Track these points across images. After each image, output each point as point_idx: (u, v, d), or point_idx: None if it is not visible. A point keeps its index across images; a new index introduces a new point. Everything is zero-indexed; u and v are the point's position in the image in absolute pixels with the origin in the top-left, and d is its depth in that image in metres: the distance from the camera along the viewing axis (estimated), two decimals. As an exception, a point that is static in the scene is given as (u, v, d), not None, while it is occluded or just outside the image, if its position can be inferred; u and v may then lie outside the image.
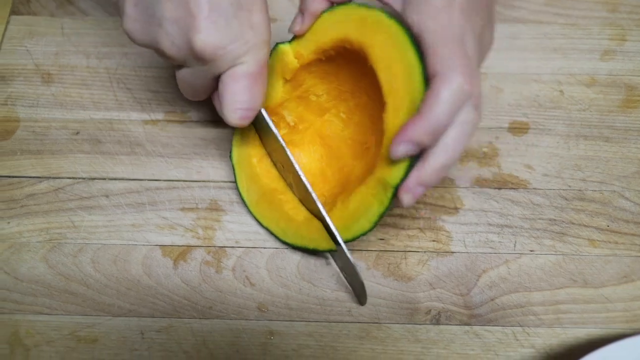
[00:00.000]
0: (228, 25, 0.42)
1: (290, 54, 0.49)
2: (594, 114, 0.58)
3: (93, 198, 0.53)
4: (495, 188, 0.54)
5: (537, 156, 0.56)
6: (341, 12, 0.46)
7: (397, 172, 0.42)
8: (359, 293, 0.48)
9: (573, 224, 0.53)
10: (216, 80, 0.46)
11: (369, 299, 0.50)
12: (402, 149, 0.40)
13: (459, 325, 0.49)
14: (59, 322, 0.49)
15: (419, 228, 0.52)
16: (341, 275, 0.50)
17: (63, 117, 0.57)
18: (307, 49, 0.48)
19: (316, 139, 0.54)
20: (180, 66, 0.46)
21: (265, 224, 0.52)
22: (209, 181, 0.54)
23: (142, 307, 0.49)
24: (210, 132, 0.56)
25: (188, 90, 0.49)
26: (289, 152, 0.48)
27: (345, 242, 0.47)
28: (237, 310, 0.49)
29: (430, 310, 0.49)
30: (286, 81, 0.51)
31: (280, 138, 0.48)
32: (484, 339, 0.49)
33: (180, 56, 0.43)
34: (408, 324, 0.49)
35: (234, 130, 0.53)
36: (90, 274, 0.50)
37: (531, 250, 0.52)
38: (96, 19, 0.62)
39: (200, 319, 0.49)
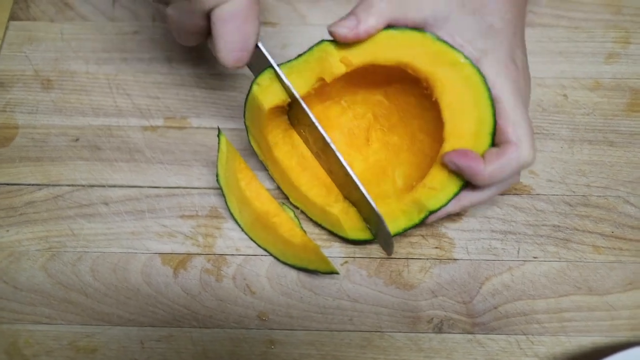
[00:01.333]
0: None
1: (336, 57, 0.45)
2: (598, 118, 0.57)
3: (92, 206, 0.53)
4: (498, 194, 0.53)
5: (540, 161, 0.55)
6: (413, 37, 0.44)
7: (440, 201, 0.45)
8: (387, 242, 0.47)
9: (577, 230, 0.52)
10: (206, 20, 0.44)
11: (371, 308, 0.49)
12: (455, 164, 0.43)
13: (462, 333, 0.48)
14: (58, 332, 0.48)
15: (421, 235, 0.52)
16: (366, 226, 0.49)
17: (62, 124, 0.56)
18: (358, 57, 0.45)
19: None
20: (168, 3, 0.44)
21: (262, 245, 0.51)
22: (209, 188, 0.54)
23: (142, 316, 0.49)
24: (211, 139, 0.56)
25: (180, 32, 0.46)
26: (328, 139, 0.47)
27: (354, 241, 0.49)
28: (238, 319, 0.49)
29: (432, 319, 0.49)
30: (322, 81, 0.46)
31: (315, 120, 0.47)
32: (487, 348, 0.48)
33: None
34: (410, 332, 0.49)
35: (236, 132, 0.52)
36: (89, 283, 0.50)
37: (535, 257, 0.51)
38: (96, 24, 0.61)
39: (200, 328, 0.49)
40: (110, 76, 0.59)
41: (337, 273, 0.48)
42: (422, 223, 0.46)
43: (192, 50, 0.60)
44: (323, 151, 0.49)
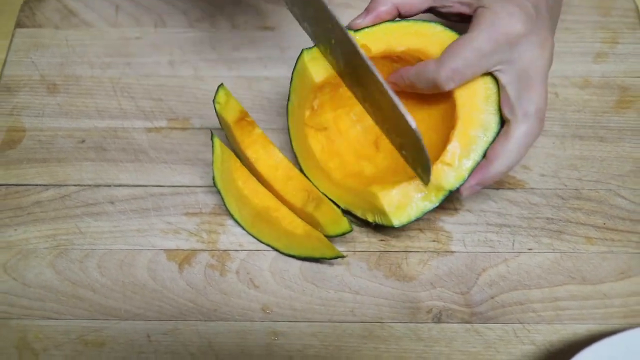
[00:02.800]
0: None
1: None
2: (589, 115, 0.59)
3: (98, 204, 0.54)
4: (494, 188, 0.55)
5: (533, 157, 0.57)
6: (424, 27, 0.48)
7: (456, 180, 0.47)
8: (424, 167, 0.45)
9: (570, 222, 0.54)
10: None
11: (372, 299, 0.50)
12: (470, 192, 0.47)
13: (460, 323, 0.50)
14: (67, 327, 0.50)
15: (419, 229, 0.53)
16: (402, 154, 0.48)
17: (68, 126, 0.58)
18: (375, 45, 0.48)
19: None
20: None
21: (265, 241, 0.53)
22: (212, 186, 0.55)
23: (148, 310, 0.50)
24: (213, 139, 0.57)
25: None
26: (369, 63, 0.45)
27: (373, 224, 0.50)
28: (242, 312, 0.50)
29: (431, 309, 0.50)
30: None
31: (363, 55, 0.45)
32: (485, 337, 0.49)
33: None
34: (410, 322, 0.50)
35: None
36: (96, 279, 0.51)
37: (529, 249, 0.52)
38: (100, 30, 0.63)
39: (205, 321, 0.50)
40: (114, 80, 0.61)
41: (343, 257, 0.49)
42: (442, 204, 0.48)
43: (194, 53, 0.62)
44: (364, 100, 0.49)
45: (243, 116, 0.52)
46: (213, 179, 0.52)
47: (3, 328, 0.49)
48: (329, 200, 0.51)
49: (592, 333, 0.49)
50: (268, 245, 0.52)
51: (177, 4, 0.65)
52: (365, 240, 0.53)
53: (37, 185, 0.55)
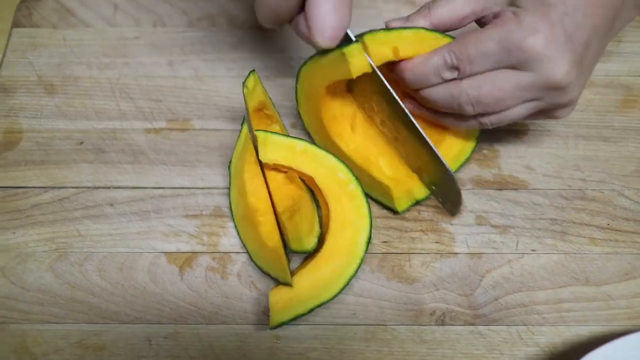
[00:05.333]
0: None
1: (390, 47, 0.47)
2: (592, 114, 0.58)
3: (98, 207, 0.54)
4: (496, 189, 0.55)
5: (537, 157, 0.56)
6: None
7: (425, 192, 0.53)
8: (454, 203, 0.49)
9: (574, 223, 0.53)
10: (300, 1, 0.45)
11: (374, 302, 0.50)
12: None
13: (464, 325, 0.49)
14: (66, 331, 0.49)
15: (422, 230, 0.53)
16: (430, 189, 0.53)
17: (66, 128, 0.57)
18: (405, 50, 0.48)
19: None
20: None
21: (243, 239, 0.52)
22: (213, 188, 0.55)
23: (149, 314, 0.50)
24: (213, 140, 0.57)
25: (269, 13, 0.46)
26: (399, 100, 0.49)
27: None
28: (243, 315, 0.50)
29: (435, 311, 0.50)
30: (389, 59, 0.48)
31: (391, 89, 0.48)
32: (489, 339, 0.49)
33: None
34: (413, 325, 0.49)
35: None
36: (96, 283, 0.51)
37: (533, 250, 0.52)
38: (97, 29, 0.63)
39: (206, 324, 0.49)
40: (112, 80, 0.60)
41: (290, 285, 0.48)
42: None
43: (193, 53, 0.61)
44: (389, 118, 0.51)
45: (262, 107, 0.52)
46: (230, 162, 0.52)
47: (1, 333, 0.49)
48: (306, 214, 0.50)
49: (596, 335, 0.49)
50: (244, 245, 0.52)
51: (177, 3, 0.65)
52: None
53: (35, 187, 0.55)
